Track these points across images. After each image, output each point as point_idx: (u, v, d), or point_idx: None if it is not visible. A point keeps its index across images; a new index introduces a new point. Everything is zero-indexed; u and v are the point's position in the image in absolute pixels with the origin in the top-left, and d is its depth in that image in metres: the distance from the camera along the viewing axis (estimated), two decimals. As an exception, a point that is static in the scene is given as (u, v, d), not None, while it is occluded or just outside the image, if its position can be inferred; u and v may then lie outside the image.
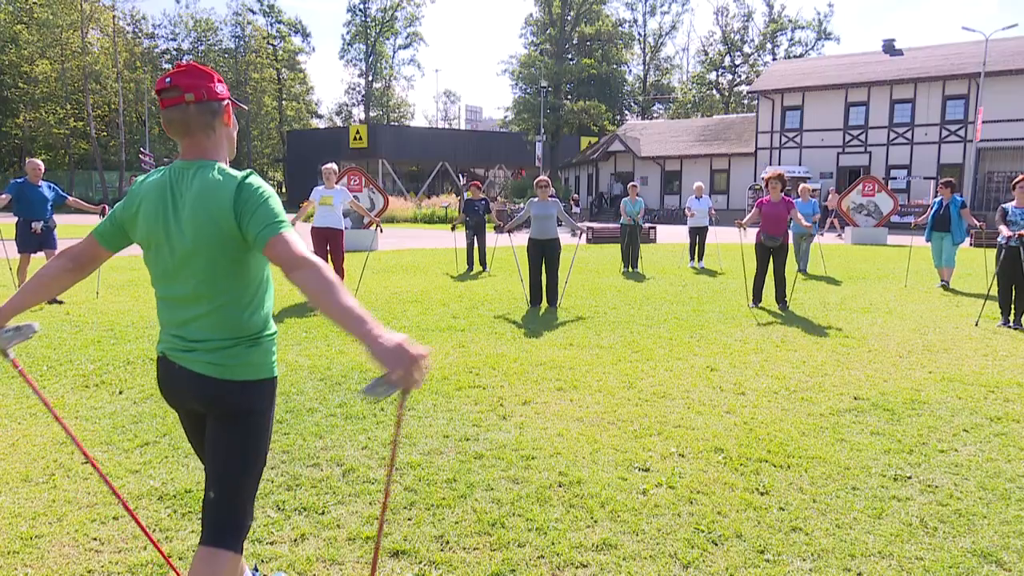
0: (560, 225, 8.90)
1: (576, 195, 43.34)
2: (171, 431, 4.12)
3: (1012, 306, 7.76)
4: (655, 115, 68.65)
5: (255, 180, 1.96)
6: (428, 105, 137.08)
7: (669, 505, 3.29)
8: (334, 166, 9.50)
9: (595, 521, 3.13)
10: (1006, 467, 3.77)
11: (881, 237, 21.38)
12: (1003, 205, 7.87)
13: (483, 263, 12.75)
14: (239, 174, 1.97)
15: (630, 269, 13.11)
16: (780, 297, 8.89)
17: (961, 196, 11.12)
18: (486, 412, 4.58)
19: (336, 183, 9.46)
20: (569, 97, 56.95)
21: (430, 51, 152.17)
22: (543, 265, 8.75)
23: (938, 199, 10.94)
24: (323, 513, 3.17)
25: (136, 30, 57.71)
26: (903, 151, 33.82)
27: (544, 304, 8.77)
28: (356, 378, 5.29)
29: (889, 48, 37.53)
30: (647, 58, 68.79)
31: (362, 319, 1.68)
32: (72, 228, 22.05)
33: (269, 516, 3.13)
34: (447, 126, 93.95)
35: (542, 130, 45.15)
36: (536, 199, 8.90)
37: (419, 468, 3.66)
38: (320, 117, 77.33)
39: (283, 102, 68.57)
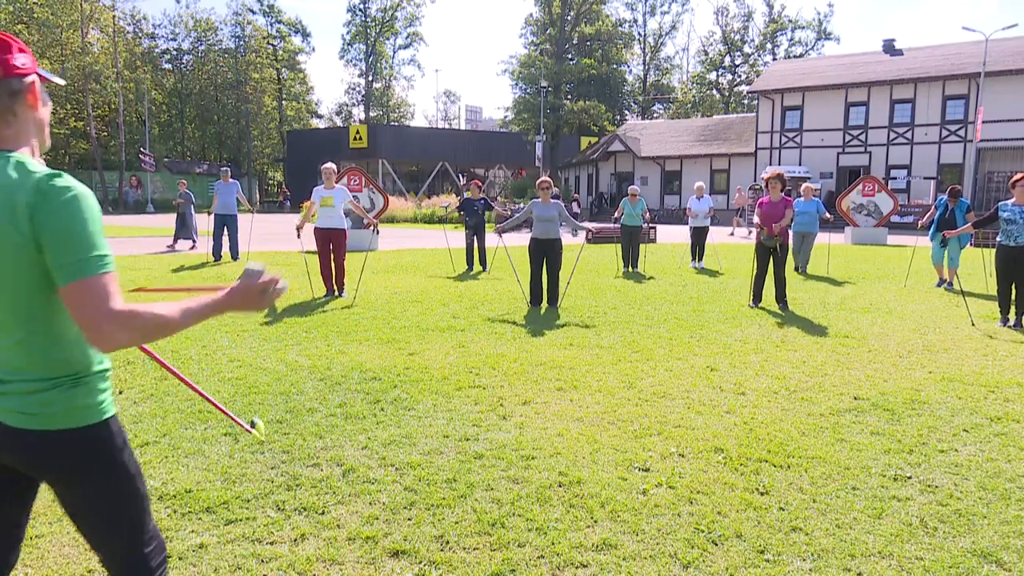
0: (562, 225, 8.90)
1: (577, 195, 43.35)
2: (171, 431, 4.12)
3: (1012, 306, 7.76)
4: (655, 115, 68.64)
5: (64, 184, 1.48)
6: (428, 105, 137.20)
7: (669, 505, 3.29)
8: (333, 166, 9.50)
9: (595, 521, 3.13)
10: (1006, 467, 3.77)
11: (881, 237, 21.38)
12: (1000, 203, 7.87)
13: (483, 263, 12.75)
14: (42, 172, 1.50)
15: (630, 269, 13.11)
16: (780, 297, 8.89)
17: (966, 200, 11.12)
18: (486, 412, 4.58)
19: (336, 183, 9.47)
20: (569, 97, 56.96)
21: (430, 51, 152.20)
22: (544, 265, 8.75)
23: (943, 200, 10.94)
24: (323, 513, 3.17)
25: (136, 30, 57.70)
26: (903, 151, 33.83)
27: (544, 304, 8.77)
28: (356, 378, 5.29)
29: (889, 48, 37.54)
30: (647, 58, 68.78)
31: (203, 306, 1.59)
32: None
33: (269, 516, 3.13)
34: (447, 126, 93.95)
35: (542, 130, 45.14)
36: (538, 200, 8.90)
37: (419, 468, 3.66)
38: (320, 117, 77.33)
39: (283, 102, 68.56)
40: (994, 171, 31.34)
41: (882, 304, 9.26)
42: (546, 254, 8.74)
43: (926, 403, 4.87)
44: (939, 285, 10.92)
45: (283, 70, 67.82)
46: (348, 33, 67.69)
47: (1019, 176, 7.70)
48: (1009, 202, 7.76)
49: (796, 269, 13.09)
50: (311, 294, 9.34)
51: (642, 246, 13.78)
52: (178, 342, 6.35)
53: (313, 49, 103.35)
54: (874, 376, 5.59)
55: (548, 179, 9.08)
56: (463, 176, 48.21)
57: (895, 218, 23.26)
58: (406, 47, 71.03)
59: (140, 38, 57.85)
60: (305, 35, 68.93)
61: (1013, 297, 7.77)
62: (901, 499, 3.38)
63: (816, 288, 10.88)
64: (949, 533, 3.05)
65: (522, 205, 32.65)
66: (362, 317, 7.81)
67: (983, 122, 29.60)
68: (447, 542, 2.94)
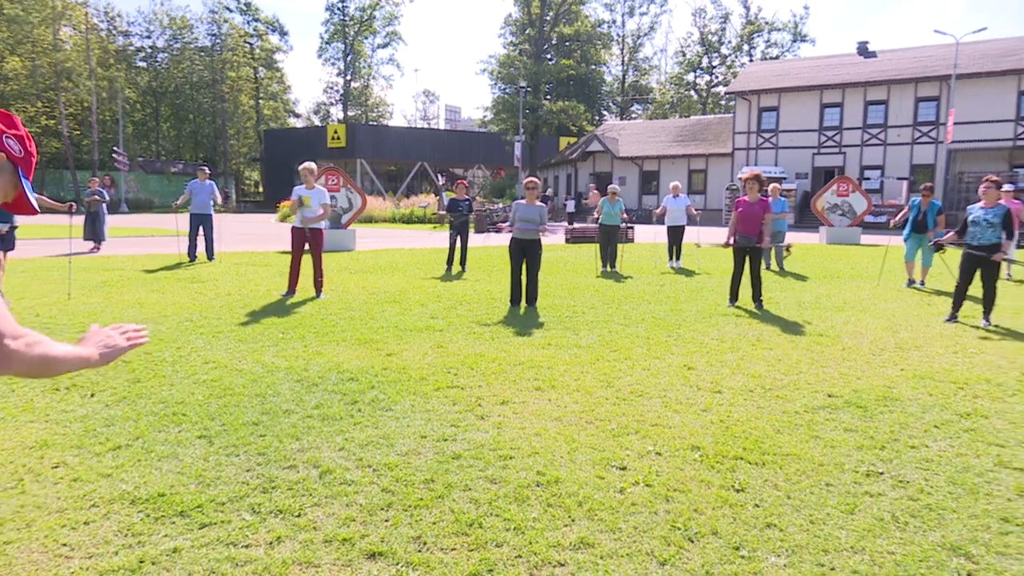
0: (540, 225, 8.91)
1: (551, 190, 43.50)
2: (144, 434, 4.07)
3: (988, 305, 7.91)
4: (634, 115, 68.98)
5: None
6: (407, 105, 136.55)
7: (646, 503, 3.31)
8: (312, 165, 9.42)
9: (573, 520, 3.14)
10: (975, 462, 3.83)
11: (855, 237, 21.67)
12: (969, 207, 8.02)
13: (463, 263, 12.74)
14: None
15: (608, 269, 13.16)
16: (756, 296, 8.97)
17: (938, 202, 11.32)
18: (464, 412, 4.58)
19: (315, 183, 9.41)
20: (548, 97, 56.99)
21: (409, 50, 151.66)
22: (523, 265, 8.76)
23: (916, 199, 11.12)
24: (299, 515, 3.15)
25: (110, 27, 56.88)
26: (876, 152, 34.32)
27: (524, 304, 8.77)
28: (333, 379, 5.26)
29: (863, 50, 38.07)
30: (626, 59, 69.08)
31: (76, 357, 1.68)
32: (42, 228, 21.67)
33: (244, 519, 3.10)
34: (426, 126, 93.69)
35: (521, 130, 45.14)
36: (523, 200, 8.91)
37: (396, 469, 3.65)
38: (298, 116, 76.77)
39: (260, 101, 67.93)
40: (965, 172, 31.88)
41: (856, 303, 9.38)
42: (526, 254, 8.75)
43: (898, 400, 4.95)
44: (909, 285, 11.10)
45: (260, 69, 67.21)
46: (326, 32, 67.25)
47: (987, 179, 7.85)
48: (977, 205, 7.91)
49: (768, 267, 13.24)
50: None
51: (620, 246, 13.85)
52: (152, 345, 6.27)
53: (291, 48, 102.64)
54: (848, 374, 5.67)
55: (535, 179, 9.09)
56: (442, 176, 48.10)
57: (869, 218, 23.59)
58: (385, 46, 70.69)
59: (114, 35, 57.04)
60: (283, 34, 68.46)
61: (989, 297, 7.90)
62: (873, 494, 3.42)
63: (791, 287, 11.00)
64: (920, 527, 3.10)
65: (500, 205, 32.65)
66: (339, 318, 7.77)
67: (954, 123, 30.10)
68: (424, 543, 2.93)
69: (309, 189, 9.25)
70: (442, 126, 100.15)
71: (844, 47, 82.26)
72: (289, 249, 9.39)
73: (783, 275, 12.66)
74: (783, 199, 13.91)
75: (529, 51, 55.41)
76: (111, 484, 3.43)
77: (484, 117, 67.17)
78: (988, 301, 7.81)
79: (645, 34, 69.53)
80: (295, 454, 3.82)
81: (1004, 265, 12.23)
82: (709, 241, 15.94)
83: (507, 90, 56.16)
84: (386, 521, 3.11)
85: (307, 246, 9.25)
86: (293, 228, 9.28)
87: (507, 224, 9.06)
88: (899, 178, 32.88)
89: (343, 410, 4.55)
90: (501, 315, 8.15)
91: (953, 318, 7.97)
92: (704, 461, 3.82)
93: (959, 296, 7.99)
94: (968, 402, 4.92)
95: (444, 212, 13.42)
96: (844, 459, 3.86)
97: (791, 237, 13.61)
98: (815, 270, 13.47)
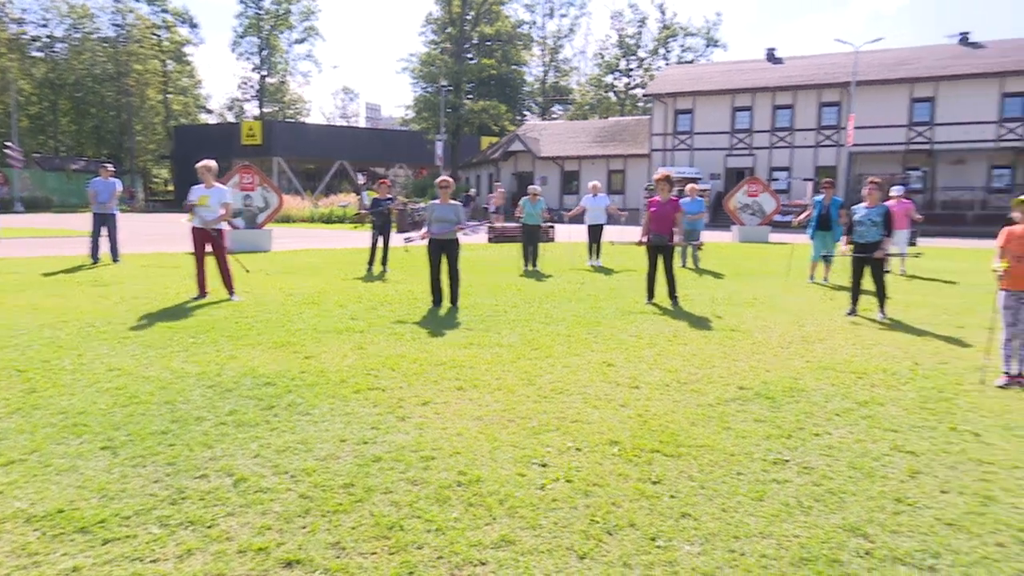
0: (457, 224, 8.89)
1: (473, 189, 43.58)
2: (40, 447, 3.83)
3: (883, 298, 8.39)
4: (554, 116, 69.81)
5: None
6: (326, 102, 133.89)
7: (566, 499, 3.36)
8: (211, 163, 9.07)
9: (494, 519, 3.15)
10: (872, 447, 4.07)
11: (764, 235, 22.61)
12: (854, 207, 8.49)
13: (384, 264, 12.57)
14: None
15: (530, 268, 13.28)
16: (672, 293, 9.23)
17: (839, 197, 11.94)
18: (385, 414, 4.52)
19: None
20: (470, 96, 57.02)
21: (328, 46, 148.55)
22: (443, 265, 8.73)
23: (818, 199, 11.68)
24: (211, 526, 3.04)
25: (1, 14, 53.28)
26: (784, 154, 35.91)
27: (446, 304, 8.74)
28: (248, 384, 5.09)
29: (771, 57, 39.79)
30: (546, 60, 69.86)
31: None
32: (-73, 229, 20.09)
33: (151, 533, 2.96)
34: (346, 124, 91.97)
35: (443, 129, 44.98)
36: (438, 201, 8.87)
37: (314, 474, 3.57)
38: (210, 112, 74.01)
39: (169, 95, 65.16)
40: (864, 173, 33.69)
41: (765, 298, 9.79)
42: (444, 254, 8.73)
43: (803, 390, 5.19)
44: (811, 280, 11.66)
45: (169, 62, 64.44)
46: (240, 25, 65.05)
47: (870, 180, 8.34)
48: (862, 205, 8.38)
49: (684, 265, 13.66)
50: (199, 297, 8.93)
51: (541, 245, 13.99)
52: (50, 351, 5.92)
53: (202, 41, 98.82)
54: (757, 366, 5.91)
55: (448, 179, 9.05)
56: (362, 175, 47.35)
57: (777, 217, 24.66)
58: (302, 41, 69.01)
59: (5, 23, 53.46)
60: (193, 25, 65.90)
61: (881, 292, 8.38)
62: (780, 481, 3.58)
63: (706, 284, 11.38)
64: (822, 511, 3.26)
65: (423, 205, 32.45)
66: (254, 320, 7.54)
67: (854, 128, 31.82)
68: (343, 548, 2.88)
69: (208, 188, 8.91)
70: (362, 124, 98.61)
71: (754, 53, 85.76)
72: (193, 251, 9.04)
73: (699, 273, 13.08)
74: (700, 199, 14.37)
75: (450, 50, 55.24)
76: (3, 501, 3.22)
77: (405, 116, 66.63)
78: (881, 295, 8.29)
79: (565, 36, 70.55)
80: (207, 463, 3.69)
81: (898, 261, 13.05)
82: (623, 240, 16.27)
83: (428, 89, 55.85)
84: (303, 528, 3.04)
85: (210, 247, 8.93)
86: (193, 228, 8.93)
87: (423, 228, 8.95)
88: (805, 179, 34.49)
89: (259, 416, 4.42)
90: (423, 315, 8.09)
91: (852, 312, 8.42)
92: (622, 455, 3.91)
93: (855, 291, 8.46)
94: (866, 391, 5.21)
95: (365, 212, 13.22)
96: (754, 448, 4.03)
97: (705, 236, 14.06)
98: (728, 267, 13.97)
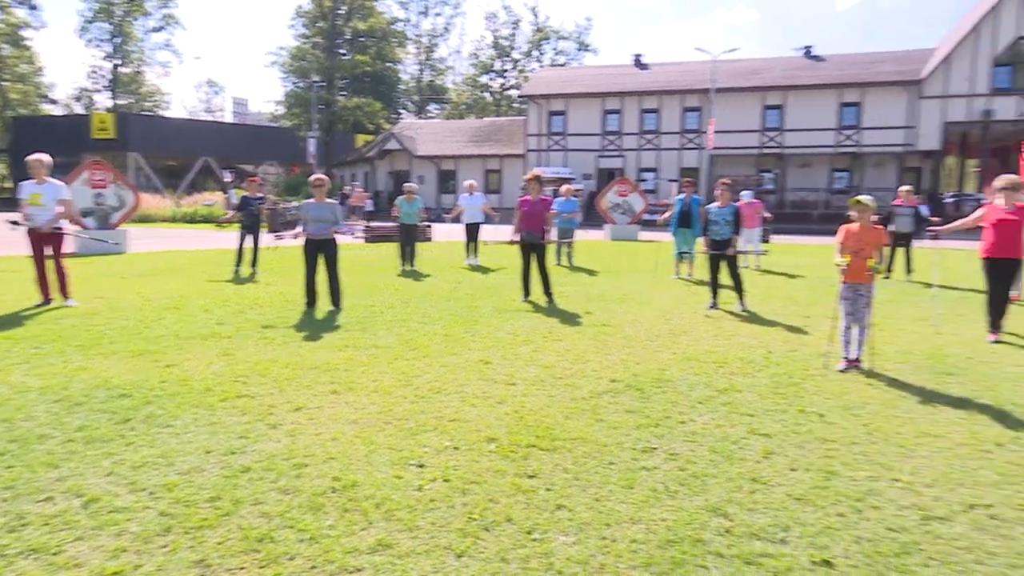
0: (336, 224, 8.67)
1: (350, 187, 42.72)
2: None
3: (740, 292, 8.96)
4: (431, 115, 69.51)
5: None
6: (188, 95, 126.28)
7: (444, 498, 3.36)
8: (43, 157, 8.32)
9: (370, 523, 3.10)
10: (731, 431, 4.34)
11: (633, 233, 23.58)
12: (708, 207, 9.04)
13: (254, 265, 12.04)
14: None
15: (408, 267, 13.16)
16: (547, 291, 9.43)
17: (699, 196, 12.62)
18: (254, 422, 4.33)
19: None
20: (343, 93, 55.71)
21: (189, 36, 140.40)
22: (321, 266, 8.49)
23: (680, 197, 12.30)
24: (57, 553, 2.79)
25: None
26: (651, 156, 37.60)
27: (323, 306, 8.49)
28: (101, 397, 4.73)
29: (638, 62, 41.50)
30: (422, 58, 69.43)
31: None
32: None
33: (-14, 564, 2.69)
34: (210, 118, 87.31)
35: (315, 126, 43.67)
36: (312, 200, 8.60)
37: (176, 489, 3.37)
38: (54, 103, 67.98)
39: (5, 83, 59.30)
40: (724, 174, 35.85)
41: (635, 294, 10.21)
42: (322, 254, 8.48)
43: (670, 381, 5.46)
44: (677, 276, 12.28)
45: (4, 46, 58.60)
46: (89, 9, 60.15)
47: (722, 180, 8.90)
48: (714, 204, 8.93)
49: (559, 263, 14.01)
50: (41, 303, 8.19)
51: (419, 244, 13.90)
52: None
53: (43, 24, 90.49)
54: (628, 359, 6.15)
55: (322, 177, 8.78)
56: (230, 172, 45.13)
57: (646, 216, 25.80)
58: (159, 29, 64.72)
59: None
60: (32, 7, 60.13)
61: (739, 286, 8.95)
62: (649, 468, 3.75)
63: (580, 282, 11.71)
64: (687, 494, 3.44)
65: (295, 204, 31.37)
66: (108, 328, 7.01)
67: (714, 132, 33.81)
68: (209, 566, 2.74)
69: (40, 184, 8.20)
70: (229, 119, 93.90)
71: (622, 58, 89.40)
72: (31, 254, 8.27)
73: (571, 270, 13.44)
74: (574, 199, 14.77)
75: (322, 45, 53.73)
76: None
77: (275, 111, 64.13)
78: (738, 289, 8.87)
79: (440, 35, 70.47)
80: (52, 484, 3.39)
81: (753, 256, 14.00)
82: (496, 239, 16.48)
83: (299, 84, 54.07)
84: (164, 547, 2.86)
85: (50, 249, 8.22)
86: (29, 230, 8.17)
87: (298, 228, 8.64)
88: (671, 179, 36.27)
89: (112, 430, 4.11)
90: (296, 318, 7.83)
91: (714, 306, 8.95)
92: (499, 452, 3.95)
93: (713, 286, 8.99)
94: (726, 378, 5.55)
95: (234, 212, 12.60)
96: (624, 438, 4.19)
97: (578, 235, 14.50)
98: (601, 265, 14.45)
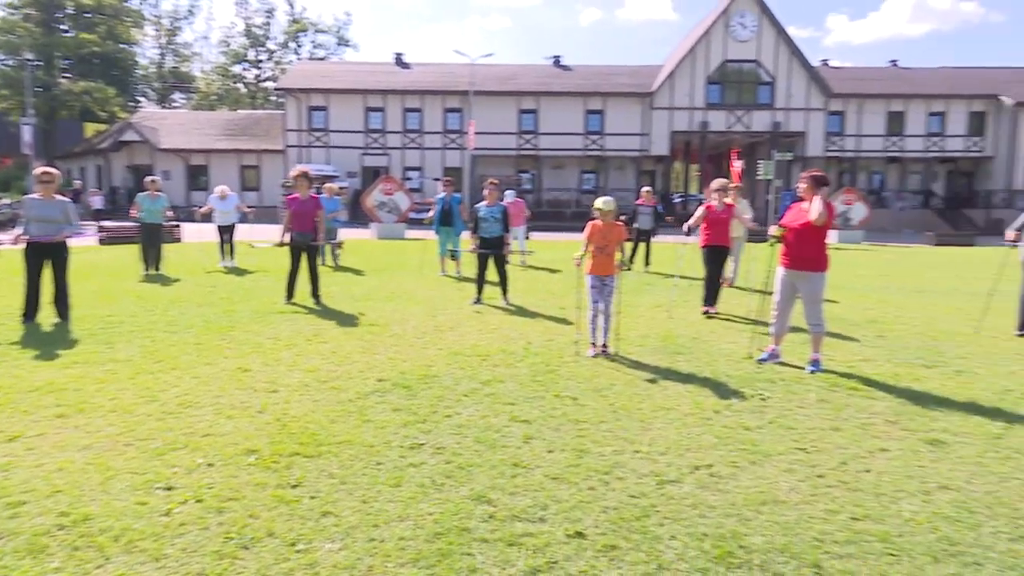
0: (69, 225, 7.57)
1: (79, 180, 37.87)
2: None
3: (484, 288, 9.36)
4: (176, 104, 63.71)
5: None
6: None
7: (196, 520, 3.10)
8: None
9: (107, 559, 2.77)
10: (495, 421, 4.53)
11: (400, 232, 23.65)
12: (476, 205, 9.40)
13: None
14: None
15: (152, 271, 11.95)
16: (314, 292, 9.11)
17: (459, 194, 12.97)
18: (-47, 459, 3.66)
19: None
20: (67, 75, 48.95)
21: None
22: (47, 272, 7.39)
23: (441, 196, 12.54)
24: None
25: None
26: (416, 155, 37.92)
27: (48, 317, 7.40)
28: None
29: (399, 61, 41.58)
30: (163, 41, 63.29)
31: None
32: None
33: None
34: None
35: (30, 111, 37.86)
36: (37, 195, 7.45)
37: None
38: None
39: None
40: (485, 174, 37.26)
41: (402, 292, 10.24)
42: (49, 260, 7.40)
43: (436, 376, 5.56)
44: (443, 273, 12.55)
45: None
46: None
47: (489, 180, 9.30)
48: (482, 203, 9.30)
49: (323, 263, 13.62)
50: None
51: (166, 246, 12.69)
52: None
53: None
54: (395, 358, 6.16)
55: (51, 170, 7.57)
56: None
57: (412, 214, 26.00)
58: None
59: None
60: None
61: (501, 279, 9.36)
62: (416, 464, 3.79)
63: (346, 281, 11.48)
64: (453, 486, 3.53)
65: (8, 201, 27.13)
66: None
67: (475, 133, 34.99)
68: None
69: None
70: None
71: (383, 56, 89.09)
72: None
73: (338, 270, 13.13)
74: (337, 198, 14.41)
75: (36, 18, 46.84)
76: None
77: (-24, 92, 54.58)
78: (503, 284, 9.29)
79: (184, 17, 64.83)
80: None
81: (518, 253, 14.74)
82: (264, 240, 15.66)
83: (8, 62, 46.61)
84: None
85: None
86: None
87: (16, 230, 7.44)
88: (435, 179, 36.89)
89: None
90: (14, 334, 6.74)
91: (478, 301, 9.27)
92: (260, 464, 3.74)
93: (479, 282, 9.33)
94: (489, 371, 5.78)
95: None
96: (392, 437, 4.19)
97: (345, 233, 14.20)
98: (367, 264, 14.29)
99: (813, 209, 5.79)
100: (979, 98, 37.47)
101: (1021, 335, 7.66)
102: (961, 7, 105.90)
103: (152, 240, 12.10)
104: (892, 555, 2.93)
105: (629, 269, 13.56)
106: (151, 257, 12.04)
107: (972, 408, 4.98)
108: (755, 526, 3.16)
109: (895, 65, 41.92)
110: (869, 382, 5.61)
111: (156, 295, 9.48)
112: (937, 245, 25.82)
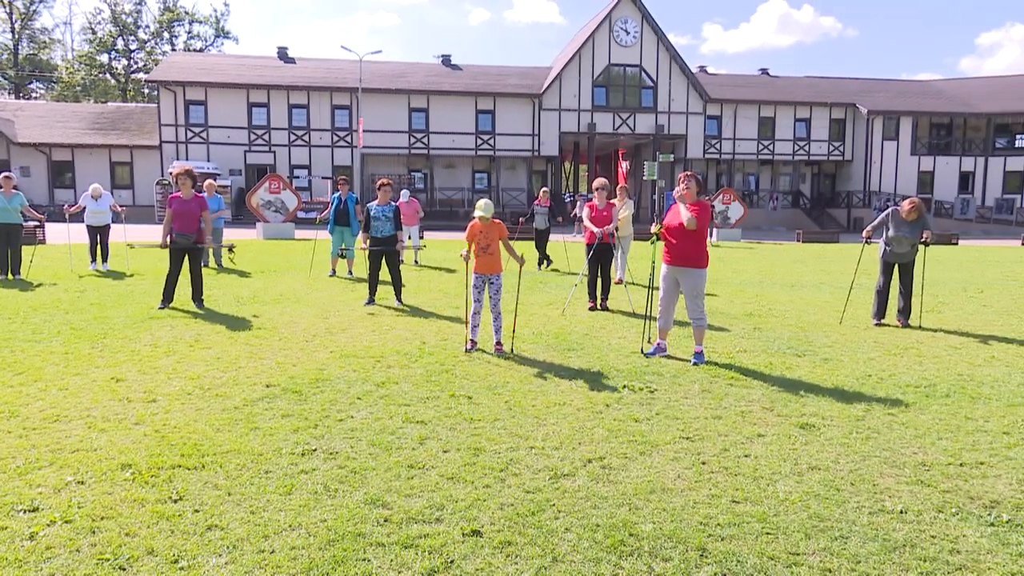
0: None
1: None
2: None
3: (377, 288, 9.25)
4: (35, 95, 58.81)
5: None
6: None
7: (65, 543, 2.88)
8: None
9: (-40, 592, 2.53)
10: (389, 423, 4.47)
11: (290, 232, 22.88)
12: (369, 204, 9.26)
13: None
14: None
15: (10, 277, 10.99)
16: (196, 295, 8.67)
17: (355, 193, 12.72)
18: None
19: None
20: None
21: None
22: None
23: (336, 195, 12.25)
24: None
25: None
26: (303, 152, 36.79)
27: None
28: None
29: (283, 55, 40.20)
30: (17, 27, 58.21)
31: None
32: None
33: None
34: None
35: None
36: None
37: None
38: None
39: None
40: (376, 173, 36.72)
41: (291, 294, 9.92)
42: None
43: (328, 380, 5.42)
44: (333, 274, 12.26)
45: None
46: None
47: (381, 181, 9.18)
48: (375, 203, 9.17)
49: (206, 264, 13.00)
50: None
51: (27, 248, 11.69)
52: None
53: None
54: (284, 362, 5.95)
55: None
56: None
57: (300, 213, 25.22)
58: None
59: None
60: None
61: (389, 280, 9.24)
62: (308, 471, 3.68)
63: (231, 283, 10.99)
64: (347, 491, 3.45)
65: None
66: None
67: (364, 131, 34.35)
68: None
69: None
70: None
71: (265, 50, 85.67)
72: None
73: (222, 271, 12.55)
74: (219, 196, 13.77)
75: None
76: None
77: None
78: (396, 284, 9.18)
79: (41, 1, 59.78)
80: None
81: (411, 252, 14.61)
82: (143, 241, 14.72)
83: None
84: None
85: None
86: None
87: None
88: (324, 177, 35.94)
89: None
90: None
91: (371, 302, 9.12)
92: (137, 479, 3.52)
93: (372, 282, 9.18)
94: (383, 372, 5.70)
95: None
96: (282, 444, 4.05)
97: (230, 234, 13.58)
98: (253, 265, 13.73)
99: (683, 215, 6.12)
100: (839, 106, 40.52)
101: (877, 324, 8.36)
102: (821, 21, 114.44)
103: (10, 241, 11.13)
104: (769, 534, 3.12)
105: (524, 263, 13.76)
106: (10, 260, 11.07)
107: (837, 394, 5.38)
108: (645, 514, 3.28)
109: (766, 73, 44.61)
110: (747, 372, 5.96)
111: (15, 302, 8.73)
112: (805, 242, 27.76)
